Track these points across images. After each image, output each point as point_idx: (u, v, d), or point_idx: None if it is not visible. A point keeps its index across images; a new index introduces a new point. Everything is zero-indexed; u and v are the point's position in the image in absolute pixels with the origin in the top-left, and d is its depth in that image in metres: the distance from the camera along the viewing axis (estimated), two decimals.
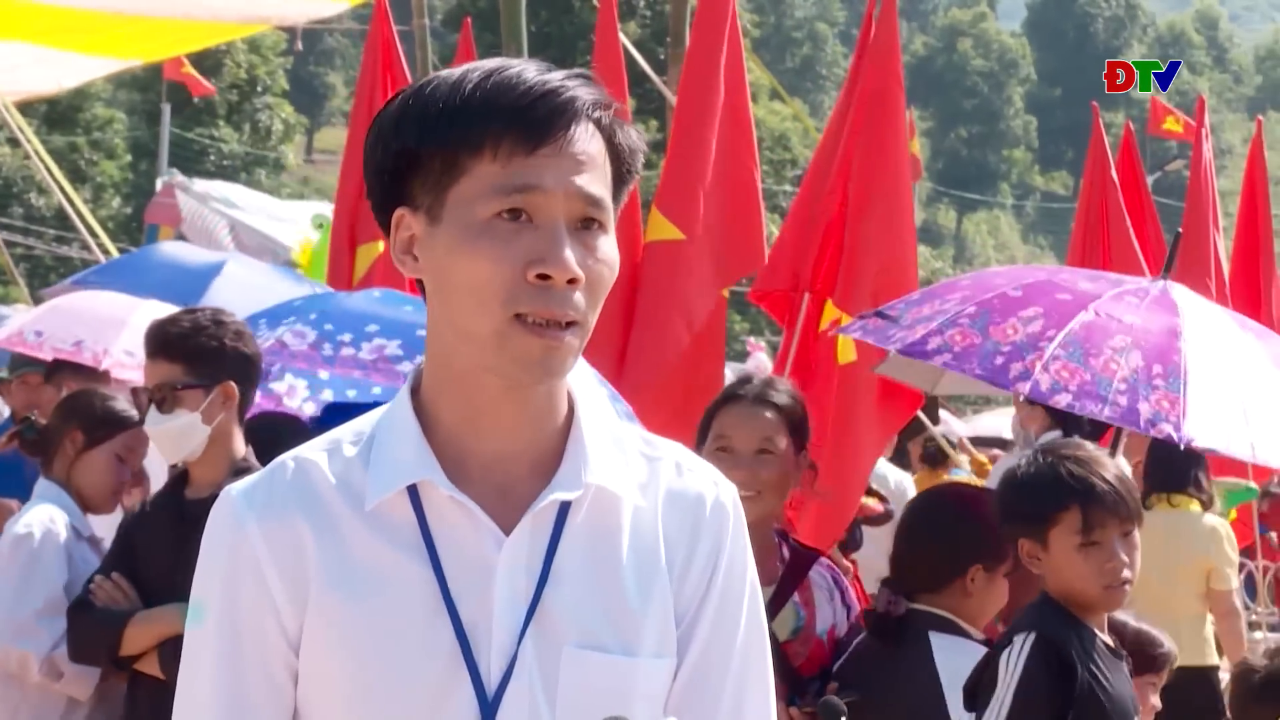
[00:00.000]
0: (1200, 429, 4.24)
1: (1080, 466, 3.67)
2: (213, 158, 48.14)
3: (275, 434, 4.49)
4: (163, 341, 4.47)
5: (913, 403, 7.13)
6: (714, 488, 2.04)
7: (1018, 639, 3.62)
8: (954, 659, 3.96)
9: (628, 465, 2.00)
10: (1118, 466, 3.75)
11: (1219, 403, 4.33)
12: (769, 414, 4.23)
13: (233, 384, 4.38)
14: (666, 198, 7.34)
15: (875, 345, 5.03)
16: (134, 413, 5.05)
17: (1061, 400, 4.26)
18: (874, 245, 7.17)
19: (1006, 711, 3.58)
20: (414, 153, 1.90)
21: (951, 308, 4.62)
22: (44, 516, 4.88)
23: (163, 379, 4.41)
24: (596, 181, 1.91)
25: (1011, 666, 3.60)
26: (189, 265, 9.98)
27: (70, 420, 5.11)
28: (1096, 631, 3.68)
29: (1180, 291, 4.74)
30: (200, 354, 4.42)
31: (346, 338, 5.21)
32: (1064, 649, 3.57)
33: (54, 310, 8.17)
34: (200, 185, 18.15)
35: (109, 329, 7.59)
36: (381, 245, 8.64)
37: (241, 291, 8.53)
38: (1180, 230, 6.16)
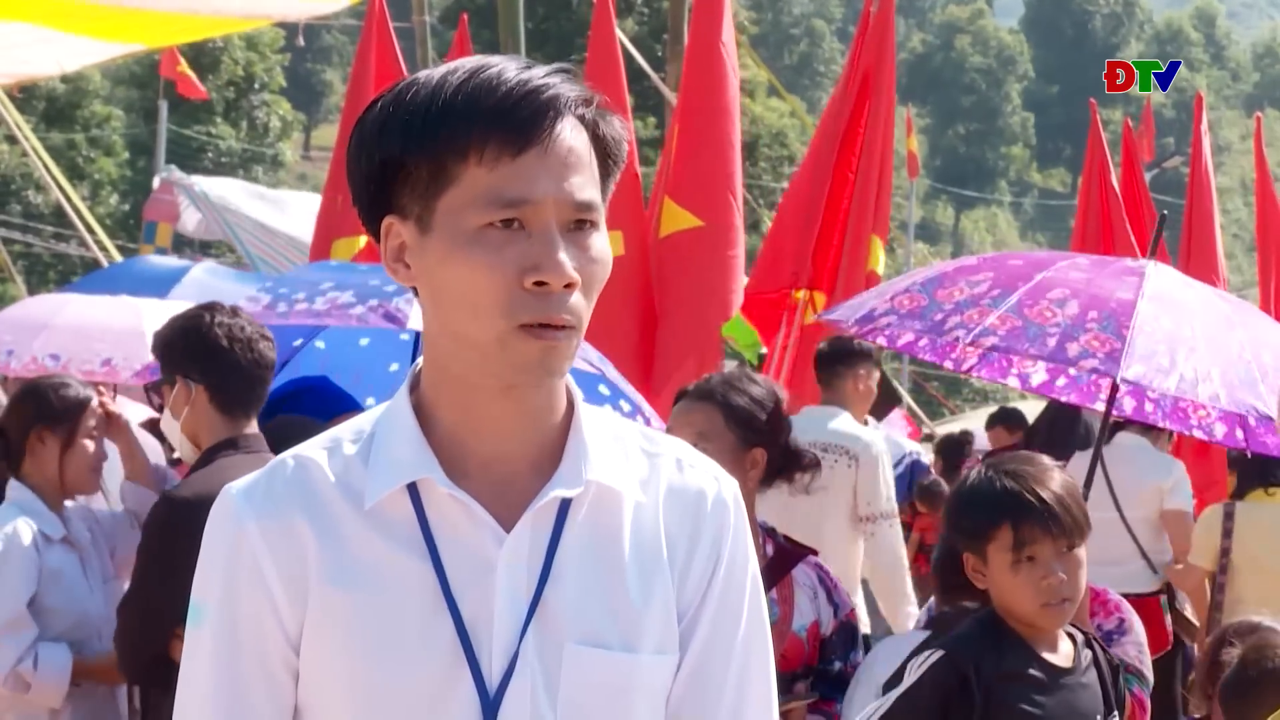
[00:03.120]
0: (1131, 366, 4.27)
1: (1015, 481, 3.59)
2: (210, 155, 48.12)
3: (285, 436, 4.49)
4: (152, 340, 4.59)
5: None
6: (715, 483, 2.03)
7: (928, 651, 3.58)
8: None
9: (628, 462, 1.99)
10: (1062, 482, 3.63)
11: (1166, 346, 4.36)
12: (707, 408, 4.25)
13: (181, 377, 4.39)
14: (681, 188, 7.34)
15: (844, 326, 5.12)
16: (86, 389, 5.08)
17: (988, 341, 4.30)
18: (858, 243, 7.25)
19: (883, 713, 3.56)
20: (399, 161, 1.88)
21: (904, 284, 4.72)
22: (7, 530, 4.81)
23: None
24: (586, 184, 1.89)
25: (911, 674, 3.56)
26: (161, 272, 10.08)
27: (37, 422, 4.98)
28: (1039, 651, 3.60)
29: (1156, 266, 4.79)
30: (160, 349, 4.50)
31: (300, 295, 5.28)
32: (967, 672, 3.51)
33: (53, 330, 7.95)
34: (202, 184, 18.08)
35: (130, 341, 7.51)
36: (362, 240, 8.64)
37: (200, 292, 8.61)
38: (1164, 214, 6.20)
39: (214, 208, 16.78)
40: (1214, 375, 4.39)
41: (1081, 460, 8.16)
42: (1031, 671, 3.57)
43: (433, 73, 1.90)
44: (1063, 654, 3.65)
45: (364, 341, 5.96)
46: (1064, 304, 4.42)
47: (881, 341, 5.16)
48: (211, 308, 4.52)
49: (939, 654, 3.57)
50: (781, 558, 4.29)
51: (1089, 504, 7.45)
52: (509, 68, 1.88)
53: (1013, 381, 5.30)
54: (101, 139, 47.14)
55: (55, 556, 4.86)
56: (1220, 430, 5.15)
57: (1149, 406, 5.19)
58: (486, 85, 1.86)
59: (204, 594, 1.95)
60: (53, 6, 10.92)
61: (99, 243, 14.61)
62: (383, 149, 1.89)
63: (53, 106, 44.50)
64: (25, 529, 4.81)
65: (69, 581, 4.85)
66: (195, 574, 1.97)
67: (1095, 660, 3.70)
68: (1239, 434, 5.12)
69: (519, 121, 1.85)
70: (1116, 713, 3.68)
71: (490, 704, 1.89)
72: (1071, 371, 5.24)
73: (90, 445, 5.02)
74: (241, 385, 4.44)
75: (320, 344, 6.08)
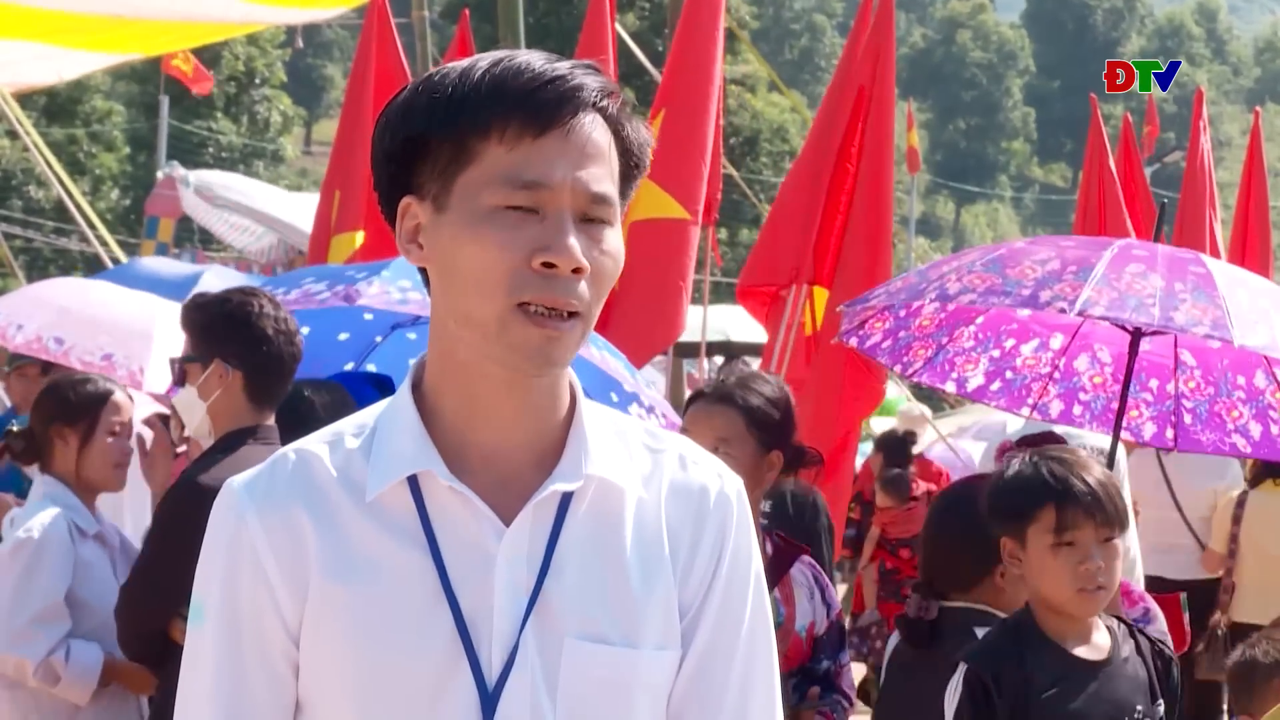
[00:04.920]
0: (1247, 334, 4.31)
1: (1061, 467, 3.67)
2: (211, 150, 48.11)
3: (303, 404, 4.49)
4: (181, 313, 4.55)
5: (876, 388, 7.22)
6: (718, 480, 2.04)
7: (959, 669, 3.63)
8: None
9: (630, 457, 2.00)
10: (1104, 472, 3.72)
11: (1257, 313, 4.41)
12: (728, 411, 4.23)
13: (220, 360, 4.38)
14: (667, 175, 7.34)
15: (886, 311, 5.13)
16: (106, 385, 5.08)
17: (1095, 311, 4.32)
18: (869, 239, 7.24)
19: None
20: (422, 139, 1.90)
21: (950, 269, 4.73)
22: (45, 520, 4.83)
23: (178, 352, 4.49)
24: (603, 178, 1.91)
25: (950, 697, 3.61)
26: (168, 278, 10.02)
27: (53, 420, 5.03)
28: (1069, 647, 3.64)
29: (1203, 255, 4.86)
30: (197, 329, 4.46)
31: (282, 290, 5.41)
32: (988, 682, 3.55)
33: (67, 314, 7.92)
34: (200, 177, 18.07)
35: (135, 341, 7.48)
36: (359, 237, 8.62)
37: None
38: (1163, 203, 6.22)
39: (205, 197, 16.80)
40: None
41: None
42: (1058, 670, 3.60)
43: (461, 61, 1.93)
44: (1096, 646, 3.67)
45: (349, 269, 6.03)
46: (1146, 276, 4.45)
47: (854, 343, 5.17)
48: (256, 294, 4.51)
49: (963, 667, 3.61)
50: (780, 556, 4.28)
51: (1156, 505, 7.59)
52: (536, 58, 1.91)
53: (950, 386, 5.30)
54: (102, 134, 47.13)
55: (89, 550, 4.87)
56: (1150, 430, 5.18)
57: (1077, 409, 5.22)
58: (513, 70, 1.89)
59: (205, 587, 1.96)
60: (53, 22, 10.89)
61: (100, 238, 14.58)
62: (407, 127, 1.91)
63: (54, 102, 44.48)
64: (60, 520, 4.84)
65: (100, 576, 4.85)
66: (197, 567, 1.98)
67: (1139, 650, 3.73)
68: (1169, 434, 5.15)
69: (542, 104, 1.87)
70: (1163, 702, 3.70)
71: (489, 697, 1.89)
72: (1008, 375, 5.27)
73: (111, 441, 5.04)
74: (277, 377, 4.46)
75: (412, 335, 6.14)
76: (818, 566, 4.37)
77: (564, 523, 1.94)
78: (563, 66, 1.90)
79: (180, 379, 4.48)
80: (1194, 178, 9.98)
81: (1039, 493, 3.65)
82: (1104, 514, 3.62)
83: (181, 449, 7.78)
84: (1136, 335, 4.86)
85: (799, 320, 7.52)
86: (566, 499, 1.95)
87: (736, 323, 14.44)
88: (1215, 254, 9.54)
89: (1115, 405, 5.14)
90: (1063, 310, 4.38)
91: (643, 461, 2.01)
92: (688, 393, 9.23)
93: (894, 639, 4.27)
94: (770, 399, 4.29)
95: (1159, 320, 4.32)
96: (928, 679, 3.99)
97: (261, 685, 1.93)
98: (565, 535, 1.94)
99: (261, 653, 1.93)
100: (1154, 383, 5.21)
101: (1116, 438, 4.97)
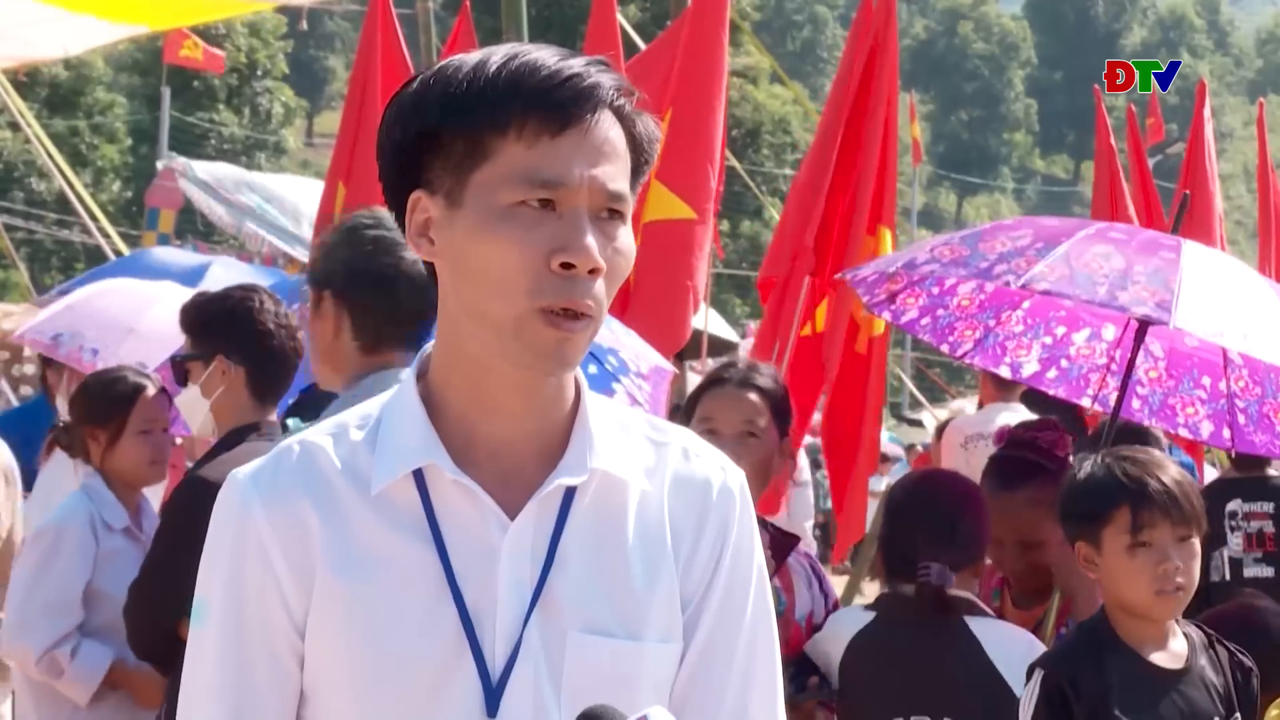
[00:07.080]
0: (1191, 320, 4.28)
1: (1135, 467, 3.62)
2: (213, 141, 48.12)
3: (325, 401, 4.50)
4: (180, 313, 4.57)
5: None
6: (721, 473, 2.04)
7: (1035, 674, 3.58)
8: (990, 633, 3.96)
9: (634, 450, 2.00)
10: (1180, 471, 3.67)
11: (1213, 301, 4.38)
12: (753, 397, 4.22)
13: (223, 357, 4.39)
14: (675, 176, 7.33)
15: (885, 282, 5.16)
16: (136, 381, 5.10)
17: (1039, 286, 4.31)
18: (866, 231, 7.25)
19: None
20: (435, 133, 1.89)
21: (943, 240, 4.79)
22: (68, 513, 4.89)
23: (179, 351, 4.51)
24: (619, 174, 1.90)
25: (1026, 704, 3.57)
26: (175, 268, 10.01)
27: (82, 420, 5.10)
28: (1145, 654, 3.59)
29: (1189, 241, 4.84)
30: (196, 327, 4.48)
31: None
32: (1065, 688, 3.50)
33: (136, 336, 7.71)
34: (204, 169, 18.03)
35: (116, 333, 7.44)
36: None
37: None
38: (1187, 194, 6.20)
39: (208, 189, 16.76)
40: (1257, 330, 4.41)
41: None
42: (1136, 678, 3.55)
43: (472, 54, 1.92)
44: (1173, 653, 3.62)
45: None
46: (1109, 258, 4.44)
47: (887, 316, 5.18)
48: (256, 290, 4.54)
49: (1040, 673, 3.56)
50: (777, 546, 4.28)
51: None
52: (549, 54, 1.90)
53: (1004, 371, 5.28)
54: (104, 126, 47.16)
55: (114, 543, 4.91)
56: (1207, 429, 5.15)
57: (1136, 404, 5.18)
58: (530, 66, 1.87)
59: (210, 578, 1.95)
60: None
61: (102, 230, 14.63)
62: (419, 121, 1.90)
63: (55, 93, 44.52)
64: (84, 516, 4.88)
65: (126, 569, 4.85)
66: (201, 558, 1.97)
67: (1217, 659, 3.67)
68: (1226, 433, 5.12)
69: (561, 102, 1.86)
70: (1239, 713, 3.64)
71: (493, 691, 1.89)
72: (1063, 363, 5.25)
73: (143, 438, 5.05)
74: (279, 372, 4.49)
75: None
76: (813, 557, 4.38)
77: (568, 517, 1.94)
78: (577, 64, 1.89)
79: (181, 379, 4.50)
80: (1197, 169, 9.96)
81: (1113, 493, 3.60)
82: (1180, 512, 3.56)
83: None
84: (1143, 325, 4.84)
85: (803, 311, 7.49)
86: (570, 493, 1.95)
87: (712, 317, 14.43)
88: (1220, 247, 9.53)
89: (1172, 400, 5.13)
90: (1007, 283, 4.38)
91: (646, 454, 2.01)
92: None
93: (857, 622, 4.17)
94: (778, 384, 4.33)
95: (1101, 298, 4.32)
96: (895, 667, 3.97)
97: (266, 675, 1.93)
98: (569, 529, 1.94)
99: (266, 643, 1.93)
100: (1206, 380, 5.16)
101: (1113, 427, 4.93)
